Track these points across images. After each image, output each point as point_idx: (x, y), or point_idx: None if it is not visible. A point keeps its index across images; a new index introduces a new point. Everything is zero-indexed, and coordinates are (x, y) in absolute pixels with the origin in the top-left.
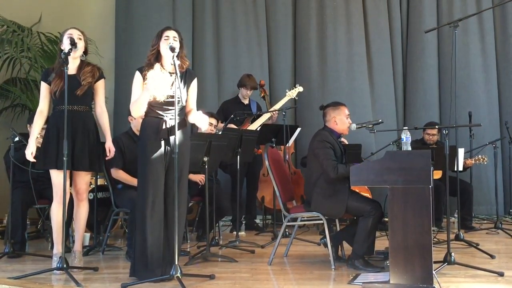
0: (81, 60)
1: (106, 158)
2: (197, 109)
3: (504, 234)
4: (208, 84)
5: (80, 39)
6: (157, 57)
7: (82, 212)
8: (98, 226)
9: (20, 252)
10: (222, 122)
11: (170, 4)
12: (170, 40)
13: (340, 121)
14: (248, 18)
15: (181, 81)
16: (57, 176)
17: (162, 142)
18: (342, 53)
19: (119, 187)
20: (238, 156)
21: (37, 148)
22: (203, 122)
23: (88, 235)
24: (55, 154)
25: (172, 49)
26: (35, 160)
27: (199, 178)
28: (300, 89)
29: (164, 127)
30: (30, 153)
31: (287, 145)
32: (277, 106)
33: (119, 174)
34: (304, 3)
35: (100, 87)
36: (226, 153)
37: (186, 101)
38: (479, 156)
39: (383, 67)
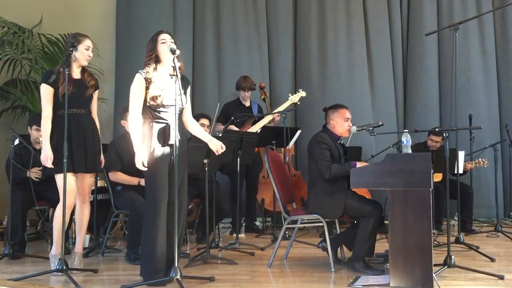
0: (82, 67)
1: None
2: (198, 111)
3: (504, 237)
4: (208, 86)
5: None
6: (156, 61)
7: (85, 214)
8: (98, 228)
9: (19, 253)
10: (223, 125)
11: (171, 6)
12: (168, 43)
13: (337, 123)
14: (248, 19)
15: (181, 84)
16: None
17: (168, 147)
18: (342, 55)
19: (118, 188)
20: (238, 158)
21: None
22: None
23: (88, 236)
24: (69, 158)
25: (173, 51)
26: (53, 166)
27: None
28: (303, 94)
29: (171, 131)
30: (48, 158)
31: (287, 147)
32: (279, 109)
33: (118, 176)
34: (304, 5)
35: (96, 97)
36: (226, 155)
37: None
38: (480, 159)
39: (383, 70)
